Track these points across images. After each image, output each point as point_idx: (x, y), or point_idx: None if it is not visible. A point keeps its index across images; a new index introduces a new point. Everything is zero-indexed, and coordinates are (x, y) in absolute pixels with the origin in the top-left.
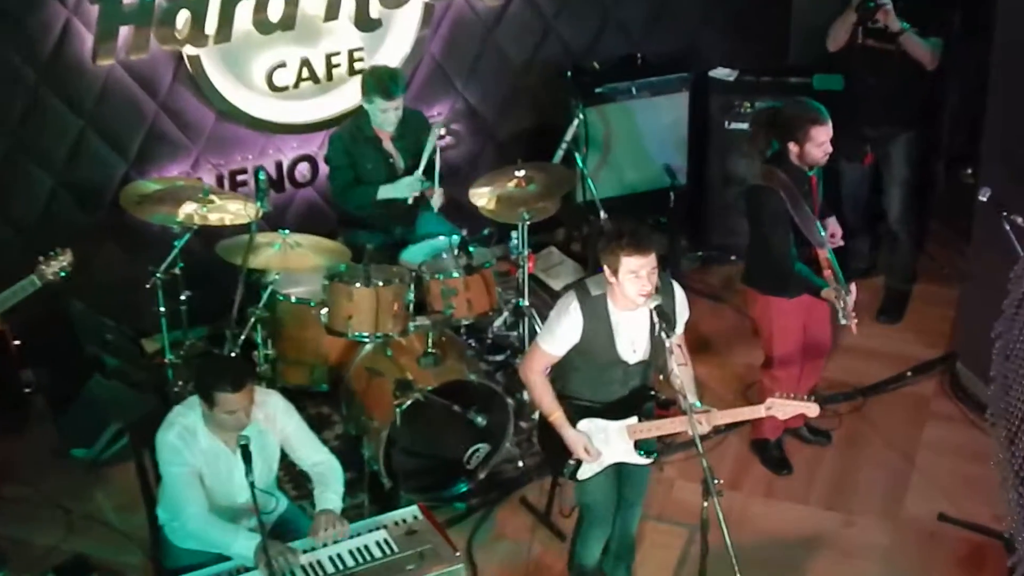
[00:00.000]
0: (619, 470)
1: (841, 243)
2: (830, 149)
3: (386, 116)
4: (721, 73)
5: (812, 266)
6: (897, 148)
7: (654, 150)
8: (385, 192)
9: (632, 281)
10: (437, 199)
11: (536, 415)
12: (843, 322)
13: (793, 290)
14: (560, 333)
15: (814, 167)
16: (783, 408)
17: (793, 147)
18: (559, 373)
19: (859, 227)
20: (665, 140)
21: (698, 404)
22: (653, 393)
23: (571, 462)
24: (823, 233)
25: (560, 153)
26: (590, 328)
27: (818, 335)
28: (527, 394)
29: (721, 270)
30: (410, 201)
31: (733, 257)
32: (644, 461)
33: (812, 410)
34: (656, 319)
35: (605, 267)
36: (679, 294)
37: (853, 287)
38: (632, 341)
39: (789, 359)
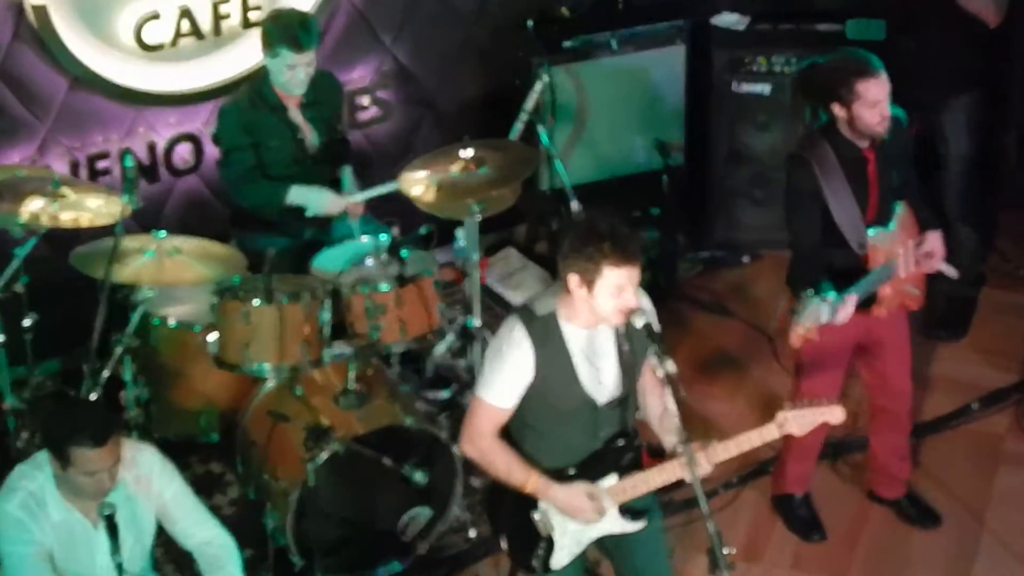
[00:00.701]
0: (614, 544)
1: (938, 268)
2: (887, 112)
3: (294, 75)
4: (727, 20)
5: (857, 275)
6: (953, 117)
7: (641, 121)
8: (298, 197)
9: (612, 297)
10: (359, 211)
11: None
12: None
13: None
14: (506, 376)
15: (872, 139)
16: (800, 420)
17: (839, 111)
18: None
19: None
20: (656, 108)
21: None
22: (635, 439)
23: (540, 549)
24: (872, 233)
25: (519, 127)
26: (544, 361)
27: (886, 374)
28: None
29: (729, 275)
30: (319, 211)
31: (745, 258)
32: (636, 526)
33: (836, 415)
34: (649, 338)
35: (571, 276)
36: (646, 303)
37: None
38: (597, 371)
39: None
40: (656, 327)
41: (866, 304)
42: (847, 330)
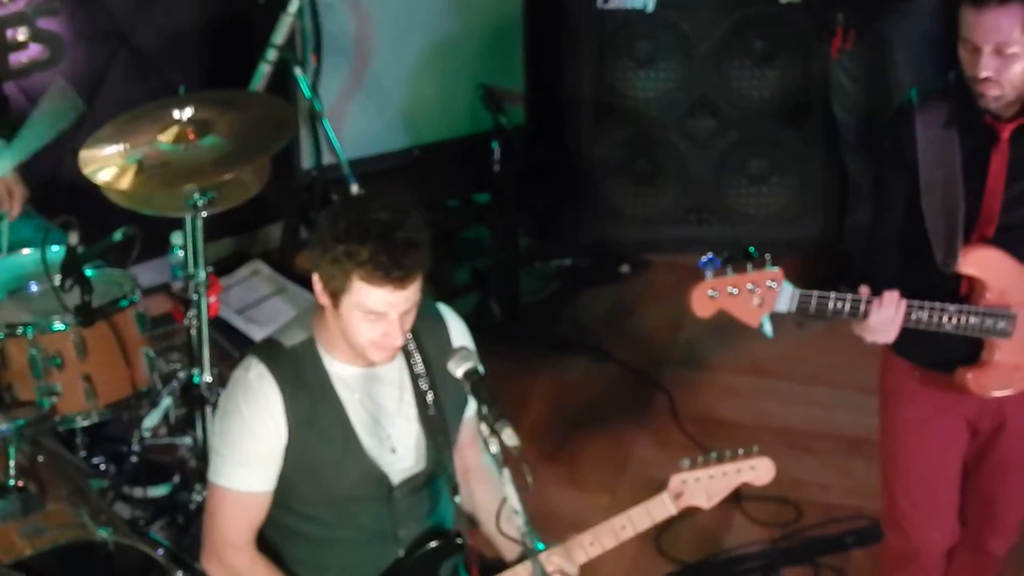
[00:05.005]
0: None
1: None
2: (991, 64)
3: None
4: None
5: (948, 297)
6: None
7: (456, 58)
8: None
9: (366, 324)
10: (17, 201)
11: None
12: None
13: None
14: (246, 444)
15: (994, 103)
16: (707, 484)
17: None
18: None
19: None
20: (478, 38)
21: (539, 545)
22: (456, 541)
23: None
24: (961, 243)
25: (264, 70)
26: (301, 414)
27: (996, 493)
28: None
29: (601, 295)
30: None
31: (624, 268)
32: None
33: (761, 471)
34: (474, 395)
35: (315, 277)
36: (457, 333)
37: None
38: (387, 428)
39: (910, 509)
40: (482, 375)
41: (965, 359)
42: (945, 397)
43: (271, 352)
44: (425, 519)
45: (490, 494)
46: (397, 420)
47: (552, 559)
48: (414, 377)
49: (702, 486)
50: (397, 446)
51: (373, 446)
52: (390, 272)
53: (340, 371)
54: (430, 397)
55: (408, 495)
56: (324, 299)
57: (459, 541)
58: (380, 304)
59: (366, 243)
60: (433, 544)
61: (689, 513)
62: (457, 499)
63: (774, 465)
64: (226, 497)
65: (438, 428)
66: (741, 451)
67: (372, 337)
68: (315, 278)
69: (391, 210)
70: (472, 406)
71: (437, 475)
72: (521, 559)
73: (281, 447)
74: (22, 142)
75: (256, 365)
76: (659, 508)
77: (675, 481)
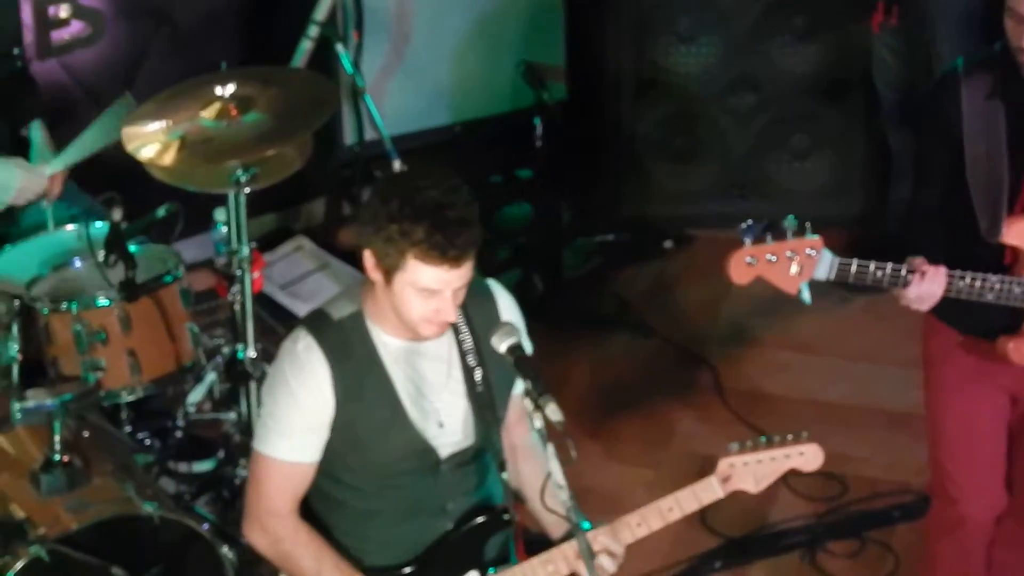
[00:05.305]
0: None
1: None
2: None
3: None
4: None
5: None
6: None
7: (498, 35)
8: None
9: (419, 300)
10: (57, 186)
11: None
12: None
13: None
14: (293, 415)
15: None
16: (755, 469)
17: (1008, 23)
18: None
19: None
20: (520, 13)
21: (585, 524)
22: (504, 517)
23: None
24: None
25: (306, 47)
26: (348, 386)
27: None
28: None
29: (643, 270)
30: (12, 199)
31: (667, 243)
32: None
33: (810, 458)
34: (519, 370)
35: (366, 253)
36: (506, 309)
37: None
38: (434, 402)
39: (955, 471)
40: (529, 351)
41: (1006, 329)
42: (986, 364)
43: (320, 324)
44: (473, 493)
45: (537, 471)
46: (444, 395)
47: (599, 538)
48: (462, 353)
49: (750, 470)
50: (444, 420)
51: (420, 419)
52: (446, 251)
53: (388, 344)
54: (478, 373)
55: (455, 469)
56: (376, 275)
57: (506, 517)
58: (435, 282)
59: (420, 222)
60: (481, 519)
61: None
62: (504, 475)
63: (822, 451)
64: (270, 466)
65: (486, 404)
66: (790, 436)
67: (424, 313)
68: (366, 255)
69: (442, 188)
70: (520, 384)
71: (485, 451)
72: (567, 537)
73: (328, 419)
74: (79, 145)
75: (304, 337)
76: (707, 491)
77: (723, 465)
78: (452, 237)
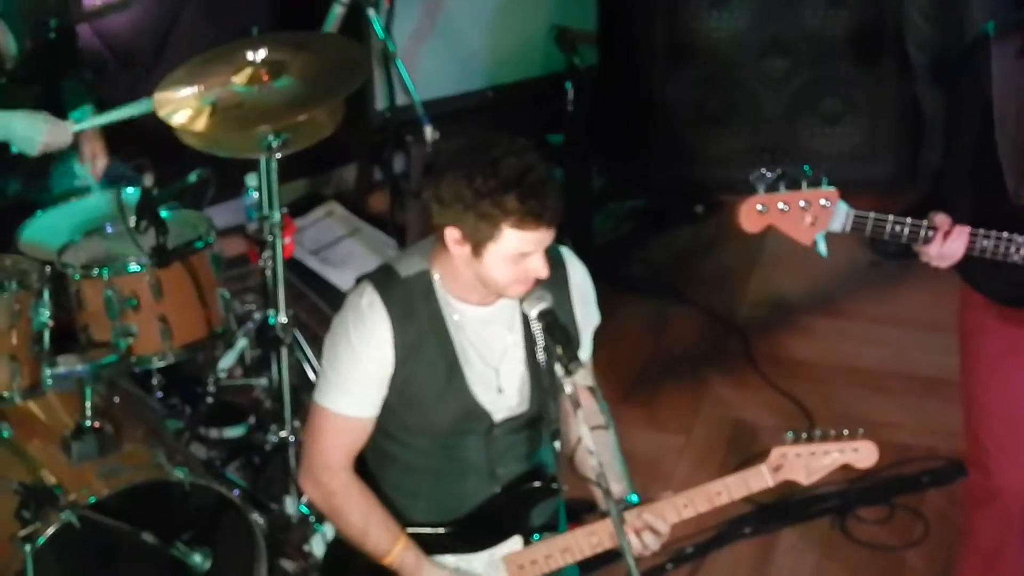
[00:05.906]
0: None
1: None
2: None
3: None
4: None
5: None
6: None
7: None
8: None
9: (511, 266)
10: (100, 163)
11: (317, 546)
12: None
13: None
14: (355, 369)
15: None
16: (808, 461)
17: None
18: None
19: None
20: None
21: (633, 497)
22: (553, 485)
23: None
24: None
25: (337, 12)
26: (409, 344)
27: None
28: (327, 522)
29: (675, 236)
30: (39, 151)
31: (699, 208)
32: None
33: (865, 454)
34: (544, 339)
35: (450, 230)
36: (577, 275)
37: None
38: (496, 368)
39: (992, 445)
40: (585, 313)
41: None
42: (1022, 335)
43: (386, 280)
44: (525, 460)
45: (592, 442)
46: (505, 361)
47: (644, 516)
48: (526, 320)
49: (803, 462)
50: (504, 386)
51: (478, 383)
52: (541, 215)
53: (453, 306)
54: (549, 349)
55: (508, 434)
56: (461, 249)
57: (555, 486)
58: (529, 244)
59: (509, 192)
60: (529, 486)
61: (764, 451)
62: (557, 445)
63: (877, 449)
64: (328, 419)
65: (544, 373)
66: (846, 431)
67: (516, 275)
68: (450, 231)
69: (516, 152)
70: (584, 354)
71: (540, 418)
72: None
73: (387, 375)
74: (114, 112)
75: (369, 292)
76: (757, 479)
77: (775, 454)
78: (543, 199)
